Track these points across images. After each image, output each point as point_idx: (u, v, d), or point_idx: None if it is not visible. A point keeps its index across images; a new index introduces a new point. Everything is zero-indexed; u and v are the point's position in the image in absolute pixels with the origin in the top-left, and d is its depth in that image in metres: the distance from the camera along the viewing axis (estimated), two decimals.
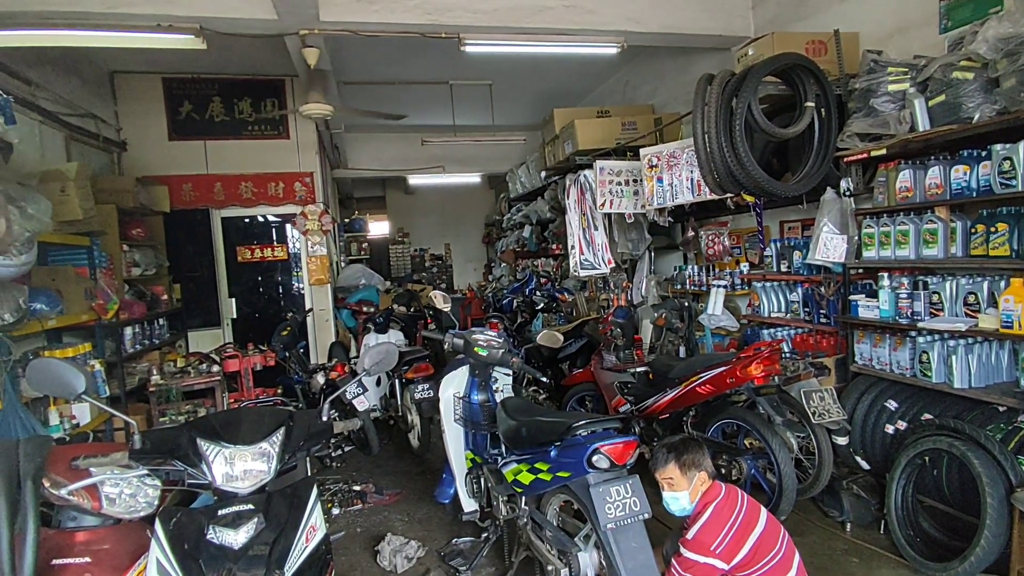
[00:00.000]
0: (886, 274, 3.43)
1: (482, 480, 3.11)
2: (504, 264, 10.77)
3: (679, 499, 2.37)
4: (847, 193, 3.67)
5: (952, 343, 3.10)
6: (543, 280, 7.70)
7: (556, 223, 7.85)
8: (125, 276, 5.19)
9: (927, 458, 2.96)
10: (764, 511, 2.33)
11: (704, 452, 2.40)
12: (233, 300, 7.08)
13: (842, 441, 3.38)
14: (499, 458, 2.94)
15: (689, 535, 2.27)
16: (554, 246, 8.24)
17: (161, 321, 5.87)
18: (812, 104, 3.54)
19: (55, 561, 1.81)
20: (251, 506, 1.79)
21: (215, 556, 1.69)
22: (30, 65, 4.58)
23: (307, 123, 6.79)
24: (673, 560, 2.29)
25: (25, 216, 3.12)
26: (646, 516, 2.26)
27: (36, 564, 1.63)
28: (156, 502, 1.89)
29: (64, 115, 4.99)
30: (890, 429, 3.36)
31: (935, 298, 3.17)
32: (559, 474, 2.42)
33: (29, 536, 1.62)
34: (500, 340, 3.24)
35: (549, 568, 2.49)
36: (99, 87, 6.02)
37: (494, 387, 3.31)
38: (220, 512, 1.77)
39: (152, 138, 6.48)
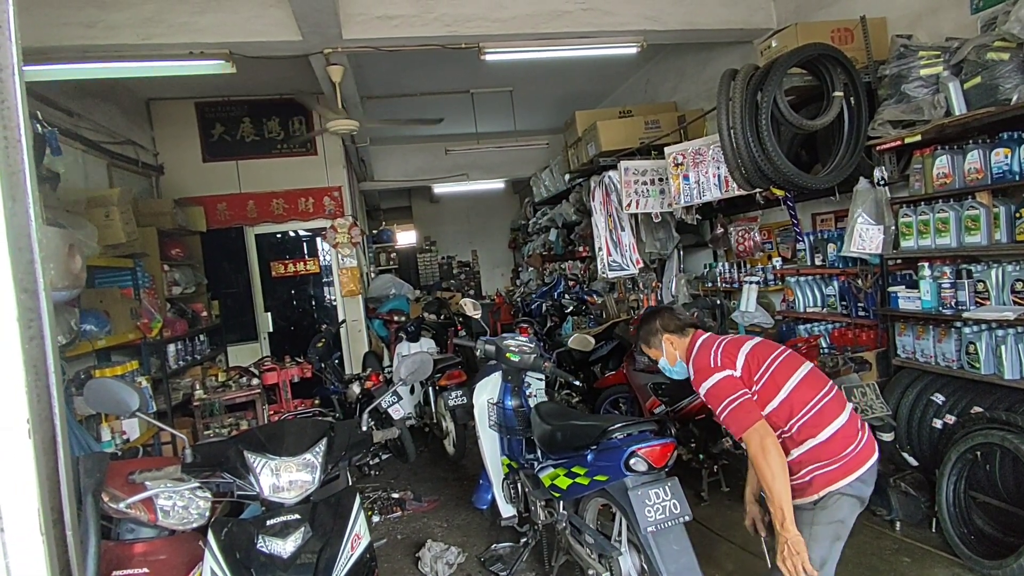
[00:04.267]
0: (927, 264, 3.33)
1: (519, 485, 3.13)
2: (531, 268, 10.77)
3: (663, 364, 2.43)
4: (881, 182, 3.57)
5: (1001, 333, 2.98)
6: (571, 283, 7.68)
7: (582, 225, 7.83)
8: (167, 295, 5.38)
9: (979, 453, 2.86)
10: (758, 338, 2.33)
11: (658, 317, 2.43)
12: (269, 314, 7.26)
13: (887, 437, 3.28)
14: (535, 463, 2.95)
15: (692, 374, 2.26)
16: (581, 248, 8.22)
17: (202, 337, 6.05)
18: (840, 93, 3.47)
19: (115, 573, 1.89)
20: (298, 516, 1.84)
21: (265, 565, 1.74)
22: (72, 97, 4.80)
23: (334, 139, 6.94)
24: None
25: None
26: (687, 519, 2.24)
27: None
28: (207, 513, 1.96)
29: (105, 143, 5.21)
30: (938, 424, 3.26)
31: (980, 286, 3.07)
32: (596, 478, 2.42)
33: (90, 549, 1.69)
34: (531, 345, 3.25)
35: (590, 573, 2.49)
36: (137, 115, 6.27)
37: (527, 392, 3.32)
38: (268, 522, 1.82)
39: (187, 161, 6.71)
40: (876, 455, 2.08)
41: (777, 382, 2.11)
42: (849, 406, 2.13)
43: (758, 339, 2.28)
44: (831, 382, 2.16)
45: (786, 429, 2.07)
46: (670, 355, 2.39)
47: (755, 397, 2.09)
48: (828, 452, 2.02)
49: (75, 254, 2.73)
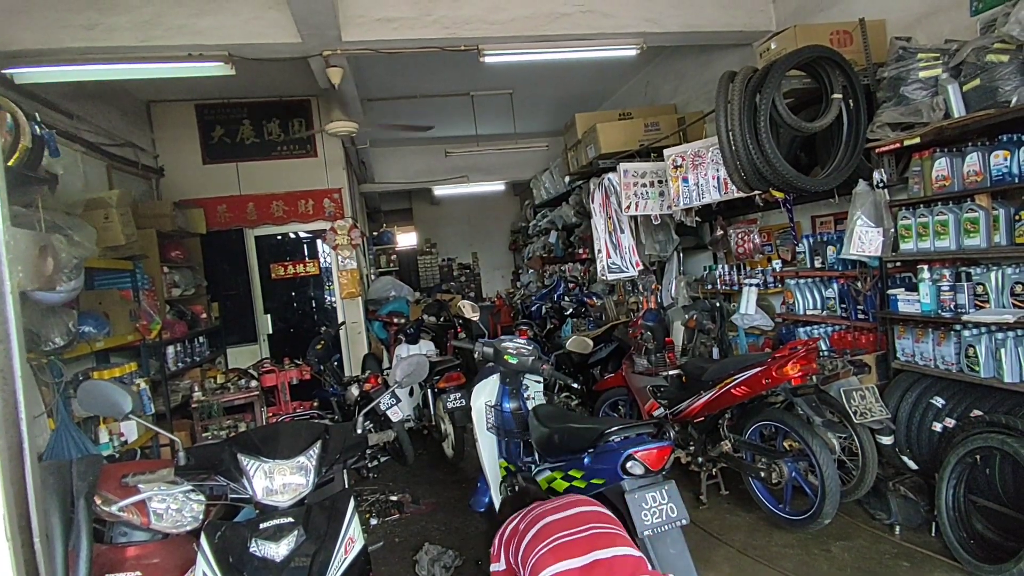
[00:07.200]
0: (926, 266, 3.32)
1: (517, 488, 3.11)
2: (531, 270, 10.77)
3: None
4: (880, 185, 3.56)
5: (1000, 336, 2.97)
6: (571, 285, 7.67)
7: (582, 227, 7.83)
8: (166, 297, 5.38)
9: (978, 456, 2.84)
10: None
11: None
12: (268, 316, 7.26)
13: (887, 441, 3.27)
14: (533, 466, 2.94)
15: None
16: (581, 251, 8.21)
17: (201, 339, 6.05)
18: (839, 96, 3.46)
19: None
20: (291, 519, 1.83)
21: (259, 568, 1.73)
22: (71, 99, 4.80)
23: (334, 141, 6.94)
24: None
25: (72, 244, 3.27)
26: (684, 522, 2.22)
27: None
28: (201, 516, 1.95)
29: (105, 145, 5.22)
30: (937, 427, 3.24)
31: (980, 289, 3.05)
32: (593, 481, 2.40)
33: (82, 552, 1.68)
34: (530, 347, 3.24)
35: None
36: (136, 117, 6.28)
37: (525, 394, 3.31)
38: (262, 525, 1.81)
39: (187, 163, 6.72)
40: None
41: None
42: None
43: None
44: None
45: None
46: None
47: None
48: None
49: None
